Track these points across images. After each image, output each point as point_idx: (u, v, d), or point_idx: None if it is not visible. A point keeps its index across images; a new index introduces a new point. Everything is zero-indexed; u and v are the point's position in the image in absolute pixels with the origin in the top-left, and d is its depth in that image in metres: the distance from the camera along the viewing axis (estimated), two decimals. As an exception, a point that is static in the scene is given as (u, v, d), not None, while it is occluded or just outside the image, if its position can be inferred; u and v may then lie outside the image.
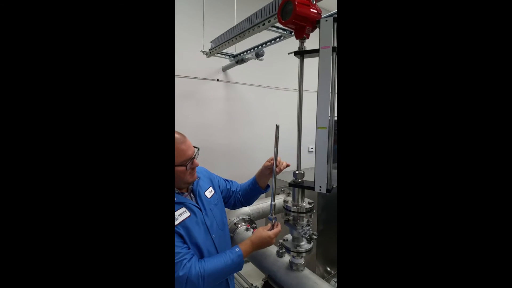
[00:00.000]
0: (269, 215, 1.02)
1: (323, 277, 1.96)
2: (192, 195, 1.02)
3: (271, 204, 1.01)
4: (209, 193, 1.06)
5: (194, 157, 0.92)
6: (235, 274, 2.03)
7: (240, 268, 0.94)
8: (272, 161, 1.05)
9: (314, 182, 0.96)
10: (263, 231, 1.01)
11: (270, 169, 1.07)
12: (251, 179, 1.18)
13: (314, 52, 0.90)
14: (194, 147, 0.98)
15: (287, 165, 1.08)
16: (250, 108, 2.52)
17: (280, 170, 1.07)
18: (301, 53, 0.93)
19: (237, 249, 0.94)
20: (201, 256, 0.92)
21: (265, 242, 0.99)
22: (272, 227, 1.01)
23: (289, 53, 1.00)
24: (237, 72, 2.35)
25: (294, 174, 0.99)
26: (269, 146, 2.60)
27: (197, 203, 0.99)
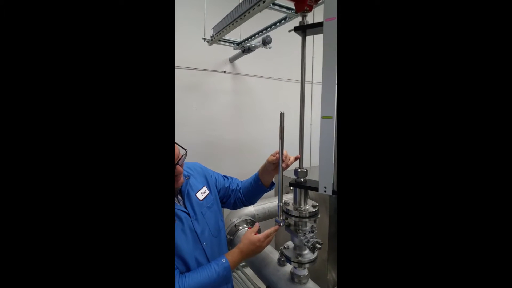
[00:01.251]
0: (276, 217, 0.89)
1: (335, 284, 1.80)
2: (180, 197, 0.90)
3: (278, 205, 0.88)
4: (201, 194, 0.94)
5: (177, 163, 0.80)
6: (242, 276, 1.93)
7: (228, 281, 0.83)
8: (277, 155, 0.90)
9: (319, 182, 0.82)
10: (251, 235, 0.88)
11: (275, 165, 0.93)
12: (253, 176, 1.04)
13: (317, 26, 0.75)
14: (183, 148, 0.85)
15: (296, 158, 0.91)
16: (260, 102, 2.38)
17: (287, 166, 0.91)
18: (303, 28, 0.78)
19: (223, 260, 0.82)
20: (187, 269, 0.81)
21: (255, 248, 0.87)
22: (259, 231, 0.88)
23: (289, 31, 0.86)
24: (245, 63, 2.22)
25: (296, 172, 0.85)
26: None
27: (185, 207, 0.87)
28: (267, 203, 1.63)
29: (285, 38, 2.47)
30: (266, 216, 1.60)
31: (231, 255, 0.85)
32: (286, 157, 0.88)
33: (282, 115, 0.81)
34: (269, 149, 2.63)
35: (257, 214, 1.54)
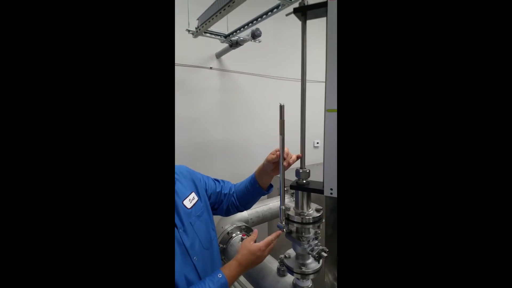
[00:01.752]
0: (278, 223, 0.79)
1: (332, 287, 1.74)
2: None
3: (280, 209, 0.78)
4: (189, 201, 0.83)
5: None
6: (237, 286, 1.82)
7: None
8: (277, 153, 0.80)
9: (323, 183, 0.73)
10: (250, 244, 0.78)
11: (275, 164, 0.83)
12: (250, 178, 0.94)
13: (320, 7, 0.66)
14: None
15: (298, 157, 0.80)
16: (250, 100, 2.28)
17: (289, 164, 0.81)
18: (303, 10, 0.69)
19: (219, 275, 0.71)
20: None
21: (255, 259, 0.77)
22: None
23: (287, 14, 0.76)
24: (233, 59, 2.11)
25: (297, 172, 0.76)
26: (272, 141, 2.38)
27: None
28: (261, 206, 1.53)
29: (274, 34, 2.40)
30: (260, 220, 1.50)
31: (228, 269, 0.74)
32: (287, 154, 0.79)
33: (282, 107, 0.71)
34: (262, 150, 2.54)
35: (251, 219, 1.44)
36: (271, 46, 2.29)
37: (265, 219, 1.53)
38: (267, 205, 1.55)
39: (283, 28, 2.34)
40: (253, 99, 2.30)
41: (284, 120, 0.72)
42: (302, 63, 0.74)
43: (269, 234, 1.94)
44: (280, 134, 0.72)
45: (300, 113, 0.77)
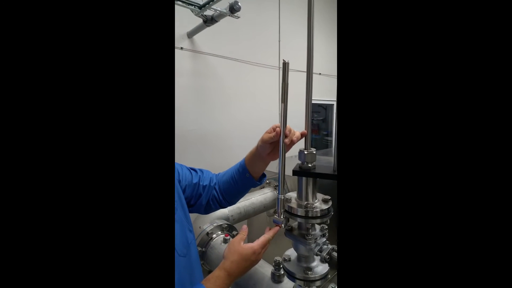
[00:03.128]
0: (275, 216, 0.62)
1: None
2: None
3: (278, 199, 0.61)
4: None
5: None
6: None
7: None
8: (277, 129, 0.61)
9: (334, 166, 0.59)
10: (241, 246, 0.62)
11: (273, 144, 0.65)
12: (237, 166, 0.77)
13: None
14: None
15: (303, 134, 0.62)
16: (225, 86, 2.09)
17: (293, 143, 0.63)
18: None
19: None
20: None
21: (249, 265, 0.62)
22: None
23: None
24: (206, 40, 1.90)
25: (301, 154, 0.60)
26: (250, 132, 2.21)
27: None
28: (242, 200, 1.36)
29: (253, 16, 2.23)
30: (242, 217, 1.33)
31: (214, 282, 0.57)
32: (290, 131, 0.62)
33: (286, 64, 0.54)
34: (239, 140, 2.35)
35: (231, 216, 1.26)
36: (248, 29, 2.12)
37: (248, 215, 1.36)
38: (249, 199, 1.39)
39: (262, 11, 2.18)
40: (228, 85, 2.11)
41: (288, 83, 0.55)
42: (308, 33, 0.57)
43: (250, 232, 1.77)
44: (282, 102, 0.56)
45: (306, 87, 0.60)
